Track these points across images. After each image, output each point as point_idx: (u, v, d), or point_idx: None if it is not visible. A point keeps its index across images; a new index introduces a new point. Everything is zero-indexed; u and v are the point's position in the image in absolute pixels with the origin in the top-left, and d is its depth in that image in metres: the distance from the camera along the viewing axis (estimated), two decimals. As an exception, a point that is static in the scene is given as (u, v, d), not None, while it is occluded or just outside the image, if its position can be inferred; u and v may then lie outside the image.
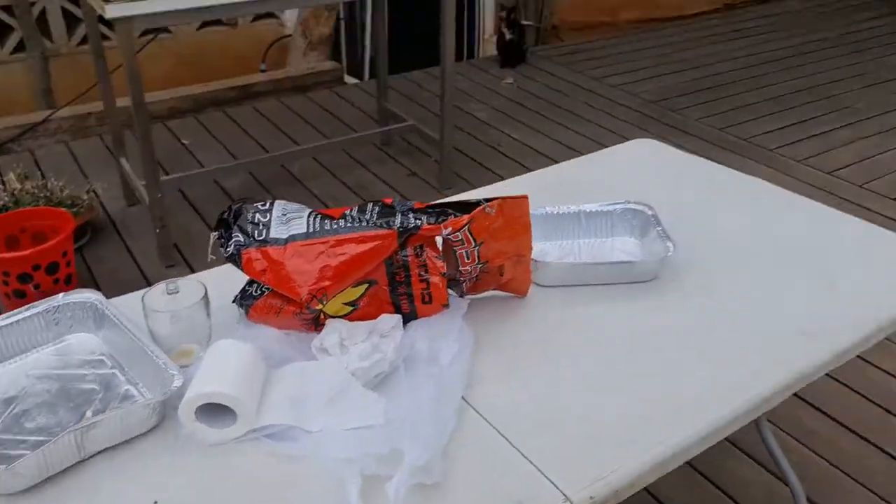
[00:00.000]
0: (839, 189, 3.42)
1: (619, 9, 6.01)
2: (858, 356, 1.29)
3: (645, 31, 5.65)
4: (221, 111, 4.19)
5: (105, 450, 1.01)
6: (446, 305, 1.22)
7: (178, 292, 1.18)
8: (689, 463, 1.25)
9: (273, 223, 1.19)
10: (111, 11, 2.39)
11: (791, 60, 4.98)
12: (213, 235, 1.20)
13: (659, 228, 1.45)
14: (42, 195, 2.83)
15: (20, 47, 4.18)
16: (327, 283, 1.14)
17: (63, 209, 2.67)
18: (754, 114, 4.18)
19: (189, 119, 4.12)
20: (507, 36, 4.75)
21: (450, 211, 1.21)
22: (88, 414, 1.07)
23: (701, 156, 3.73)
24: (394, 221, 1.17)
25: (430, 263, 1.18)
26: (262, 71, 4.68)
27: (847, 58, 5.03)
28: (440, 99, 3.25)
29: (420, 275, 1.19)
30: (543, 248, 1.44)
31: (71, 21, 4.24)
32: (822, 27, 5.65)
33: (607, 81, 4.62)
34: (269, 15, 4.83)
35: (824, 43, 5.31)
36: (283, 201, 1.25)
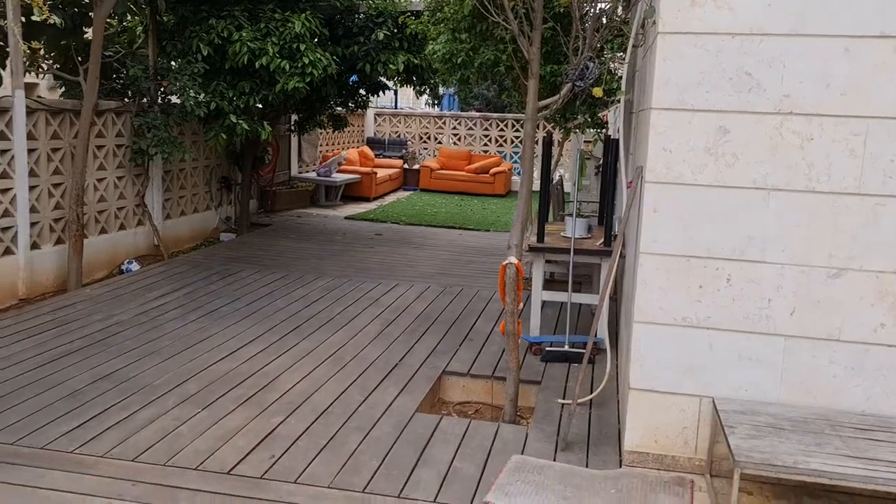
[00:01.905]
0: (144, 474, 3.43)
1: None
2: None
3: (-82, 345, 4.97)
4: None
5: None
6: None
7: None
8: None
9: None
10: None
11: (89, 350, 5.01)
12: None
13: None
14: None
15: None
16: None
17: None
18: (51, 416, 3.97)
19: None
20: None
21: None
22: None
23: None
24: None
25: None
26: None
27: (143, 336, 5.34)
28: None
29: None
30: None
31: None
32: (117, 310, 5.92)
33: None
34: None
35: (121, 325, 5.55)
36: None
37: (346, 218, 11.40)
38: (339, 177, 12.91)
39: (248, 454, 3.66)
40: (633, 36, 4.17)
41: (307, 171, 13.52)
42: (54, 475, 3.39)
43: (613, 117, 9.00)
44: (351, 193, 13.22)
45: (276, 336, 5.47)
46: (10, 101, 6.23)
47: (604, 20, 4.30)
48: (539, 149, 5.94)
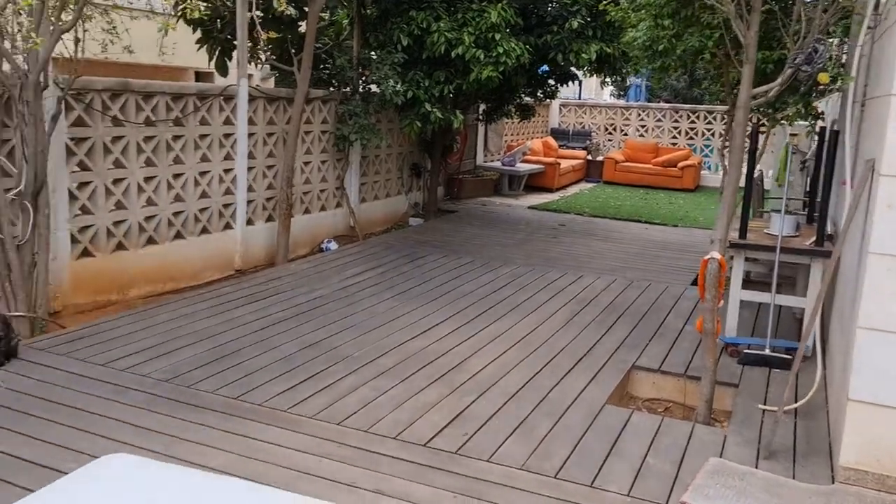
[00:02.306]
0: (348, 438, 3.66)
1: (129, 285, 5.92)
2: None
3: (157, 304, 5.62)
4: None
5: None
6: None
7: None
8: None
9: None
10: None
11: (297, 319, 5.42)
12: None
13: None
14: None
15: None
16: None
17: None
18: (267, 376, 4.34)
19: None
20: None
21: None
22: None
23: (216, 429, 3.67)
24: None
25: None
26: None
27: (343, 310, 5.68)
28: None
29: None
30: None
31: None
32: (319, 285, 6.35)
33: (114, 366, 4.37)
34: None
35: (323, 299, 5.94)
36: None
37: (529, 207, 11.44)
38: (522, 167, 12.96)
39: (442, 429, 3.79)
40: (867, 16, 3.82)
41: (492, 161, 13.70)
42: (271, 430, 3.70)
43: (827, 108, 8.31)
44: (534, 183, 13.24)
45: (465, 319, 5.61)
46: (235, 90, 6.85)
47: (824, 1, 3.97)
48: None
